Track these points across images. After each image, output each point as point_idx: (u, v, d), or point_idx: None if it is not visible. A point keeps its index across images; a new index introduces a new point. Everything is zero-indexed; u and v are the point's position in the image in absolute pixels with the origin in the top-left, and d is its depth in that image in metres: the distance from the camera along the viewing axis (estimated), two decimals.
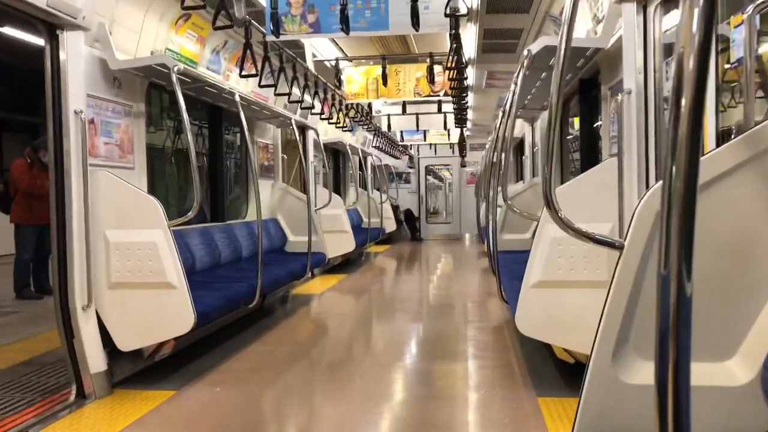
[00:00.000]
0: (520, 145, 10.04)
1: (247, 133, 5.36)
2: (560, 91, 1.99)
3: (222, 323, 5.54)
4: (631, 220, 1.96)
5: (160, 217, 3.97)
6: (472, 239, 17.05)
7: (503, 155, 4.95)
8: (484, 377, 4.40)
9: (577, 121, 6.18)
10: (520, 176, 10.56)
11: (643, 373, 1.97)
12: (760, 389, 1.85)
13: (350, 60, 9.47)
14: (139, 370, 4.27)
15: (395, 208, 16.46)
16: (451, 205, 19.69)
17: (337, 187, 13.11)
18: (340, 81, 8.70)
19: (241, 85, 6.44)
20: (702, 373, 1.86)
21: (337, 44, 9.21)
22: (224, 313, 4.71)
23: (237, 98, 5.30)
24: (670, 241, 1.07)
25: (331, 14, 4.97)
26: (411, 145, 17.81)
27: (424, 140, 16.14)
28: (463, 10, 4.86)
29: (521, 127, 8.95)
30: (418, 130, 14.55)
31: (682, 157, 1.06)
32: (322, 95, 8.09)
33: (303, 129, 8.36)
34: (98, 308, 3.95)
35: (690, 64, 1.04)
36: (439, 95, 9.11)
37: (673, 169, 1.07)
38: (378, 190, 14.28)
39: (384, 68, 7.99)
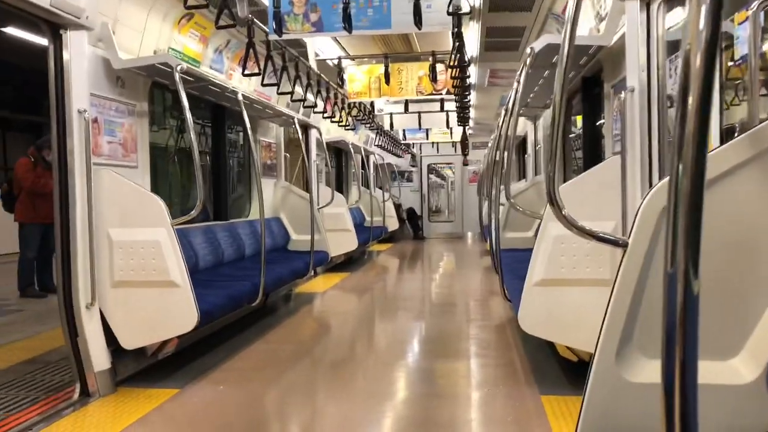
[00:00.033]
0: (522, 143, 10.02)
1: (249, 131, 5.36)
2: (564, 89, 1.99)
3: (225, 322, 5.55)
4: (635, 218, 1.95)
5: (164, 215, 3.97)
6: (474, 238, 17.04)
7: (506, 153, 4.94)
8: (487, 375, 4.40)
9: (579, 119, 6.17)
10: (522, 174, 10.55)
11: (647, 371, 1.97)
12: (765, 387, 1.85)
13: (353, 59, 9.46)
14: (142, 368, 4.28)
15: (398, 207, 16.46)
16: (453, 203, 19.68)
17: (340, 185, 13.11)
18: (342, 80, 8.69)
19: (243, 84, 6.45)
20: (706, 371, 1.85)
21: (339, 43, 9.21)
22: (227, 311, 4.72)
23: (240, 97, 5.30)
24: (677, 240, 1.07)
25: (333, 13, 4.97)
26: (413, 143, 17.80)
27: (427, 139, 16.12)
28: (465, 9, 4.85)
29: (523, 126, 8.94)
30: (420, 129, 14.54)
31: (689, 155, 1.05)
32: (324, 94, 8.09)
33: (305, 128, 8.37)
34: (102, 307, 3.96)
35: (697, 61, 1.04)
36: (441, 93, 9.10)
37: (680, 166, 1.07)
38: (380, 188, 14.27)
39: (386, 67, 7.98)
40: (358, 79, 9.10)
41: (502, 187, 5.14)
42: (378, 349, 5.45)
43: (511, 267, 5.17)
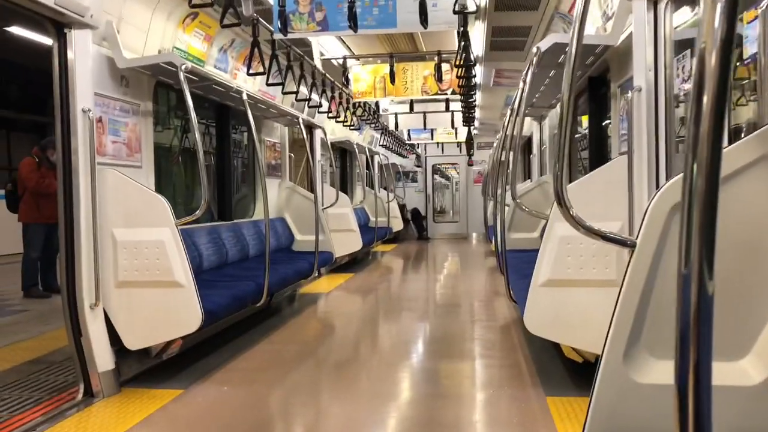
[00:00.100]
0: (527, 143, 10.00)
1: (254, 131, 5.35)
2: (572, 88, 1.97)
3: (229, 322, 5.54)
4: (643, 218, 1.93)
5: (168, 215, 3.97)
6: (479, 238, 17.02)
7: (511, 153, 4.92)
8: (492, 376, 4.38)
9: (585, 119, 6.15)
10: (527, 175, 10.53)
11: (655, 372, 1.95)
12: None
13: (357, 58, 9.45)
14: (146, 368, 4.27)
15: (402, 207, 16.45)
16: (458, 204, 19.66)
17: (344, 186, 13.11)
18: (347, 79, 8.69)
19: (248, 84, 6.44)
20: (715, 373, 1.84)
21: (344, 42, 9.20)
22: (231, 311, 4.71)
23: (244, 97, 5.29)
24: (691, 240, 1.05)
25: (339, 12, 4.96)
26: (418, 143, 17.78)
27: (432, 139, 16.10)
28: (471, 8, 4.84)
29: (529, 126, 8.92)
30: (425, 129, 14.52)
31: (704, 154, 1.04)
32: (329, 94, 8.09)
33: (310, 128, 8.36)
34: (106, 307, 3.95)
35: (712, 60, 1.02)
36: (446, 93, 9.08)
37: (694, 166, 1.05)
38: (385, 189, 14.27)
39: (391, 66, 7.98)
40: (363, 78, 9.09)
41: (507, 187, 5.12)
42: (382, 350, 5.43)
43: (516, 267, 5.15)
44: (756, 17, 2.45)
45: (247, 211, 7.59)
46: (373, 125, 12.32)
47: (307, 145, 7.41)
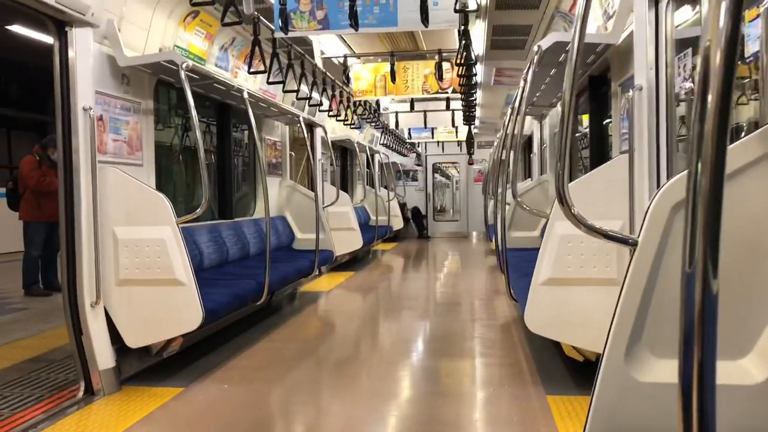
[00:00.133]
0: (528, 142, 10.00)
1: (255, 130, 5.35)
2: (573, 87, 1.97)
3: (230, 320, 5.54)
4: (645, 217, 1.93)
5: (169, 214, 3.97)
6: (479, 237, 17.02)
7: (512, 152, 4.92)
8: (492, 375, 4.38)
9: (585, 118, 6.15)
10: (527, 174, 10.53)
11: (656, 370, 1.95)
12: None
13: (358, 57, 9.45)
14: (147, 366, 4.27)
15: (402, 206, 16.46)
16: (458, 202, 19.66)
17: (345, 184, 13.11)
18: (348, 78, 8.68)
19: (249, 83, 6.44)
20: (717, 371, 1.84)
21: (345, 41, 9.19)
22: (232, 310, 4.71)
23: (245, 95, 5.29)
24: (696, 239, 1.05)
25: (339, 10, 4.96)
26: (418, 142, 17.78)
27: (432, 138, 16.10)
28: (472, 6, 4.83)
29: (529, 125, 8.92)
30: (425, 128, 14.52)
31: (709, 153, 1.03)
32: (330, 92, 8.08)
33: (311, 126, 8.36)
34: (107, 305, 3.96)
35: (716, 58, 1.02)
36: (447, 92, 9.08)
37: (699, 165, 1.05)
38: (385, 187, 14.27)
39: (392, 65, 7.97)
40: (364, 77, 9.08)
41: (508, 186, 5.12)
42: (383, 348, 5.44)
43: (516, 266, 5.16)
44: (758, 16, 2.45)
45: (248, 210, 7.59)
46: (373, 124, 12.32)
47: (308, 143, 7.42)
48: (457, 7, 4.71)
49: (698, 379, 1.05)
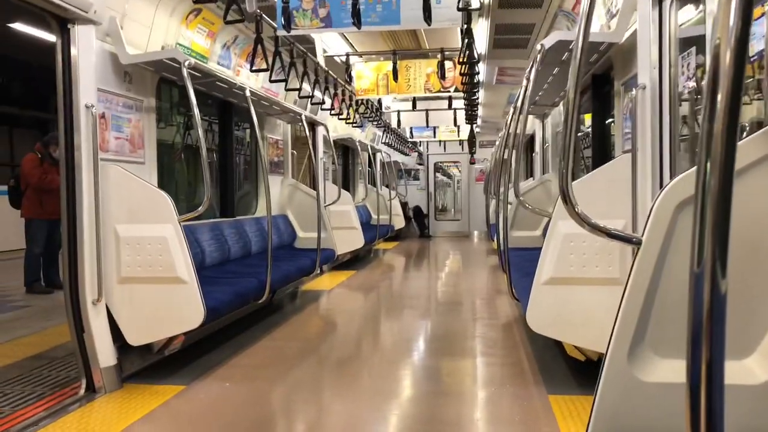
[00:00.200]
0: (530, 141, 9.99)
1: (257, 128, 5.35)
2: (577, 85, 1.96)
3: (231, 318, 5.54)
4: (649, 216, 1.93)
5: (171, 212, 3.96)
6: (480, 236, 17.01)
7: (514, 151, 4.92)
8: (494, 374, 4.37)
9: (588, 117, 6.14)
10: (529, 173, 10.52)
11: (659, 370, 1.94)
12: None
13: (360, 55, 9.44)
14: (148, 364, 4.27)
15: (404, 205, 16.45)
16: (459, 202, 19.65)
17: (346, 183, 13.10)
18: (350, 76, 8.67)
19: (251, 81, 6.43)
20: None
21: (347, 39, 9.18)
22: (234, 308, 4.71)
23: (247, 93, 5.29)
24: (704, 239, 1.04)
25: (342, 8, 4.95)
26: (420, 141, 17.77)
27: (434, 137, 16.09)
28: (475, 5, 4.82)
29: (531, 124, 8.91)
30: (427, 127, 14.50)
31: (718, 152, 1.03)
32: (332, 91, 8.07)
33: (313, 125, 8.35)
34: (108, 303, 3.96)
35: (727, 57, 1.01)
36: (449, 91, 9.07)
37: (708, 164, 1.04)
38: (387, 186, 14.26)
39: (394, 64, 7.96)
40: (366, 75, 9.07)
41: (510, 185, 5.12)
42: (384, 347, 5.43)
43: (518, 265, 5.15)
44: (763, 14, 2.44)
45: (250, 208, 7.59)
46: (375, 123, 12.31)
47: (310, 142, 7.40)
48: (460, 6, 4.70)
49: (706, 378, 1.04)
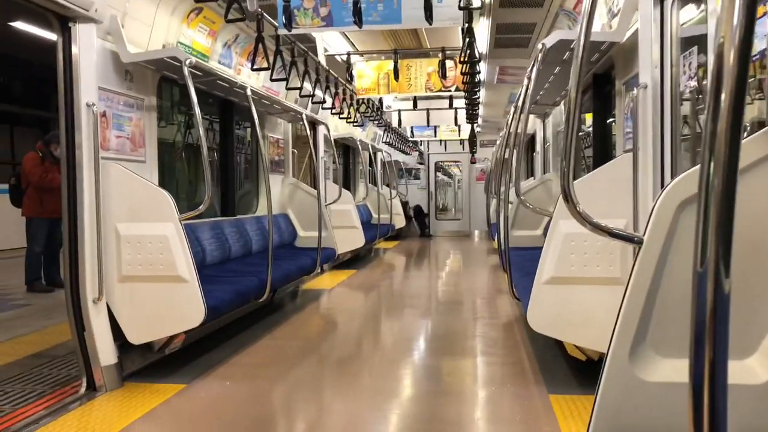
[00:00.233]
0: (531, 141, 9.99)
1: (258, 127, 5.35)
2: (579, 84, 1.96)
3: (232, 317, 5.54)
4: (650, 215, 1.93)
5: (172, 210, 3.96)
6: (481, 236, 17.01)
7: (515, 151, 4.91)
8: (494, 374, 4.37)
9: (589, 116, 6.13)
10: (530, 173, 10.51)
11: (661, 370, 1.94)
12: None
13: (361, 54, 9.44)
14: (149, 363, 4.27)
15: (405, 205, 16.45)
16: (460, 201, 19.65)
17: (347, 182, 13.10)
18: (351, 76, 8.67)
19: (252, 80, 6.43)
20: None
21: (348, 38, 9.19)
22: (234, 307, 4.71)
23: (248, 92, 5.29)
24: (707, 238, 1.04)
25: (343, 7, 4.94)
26: (421, 141, 17.77)
27: (435, 136, 16.09)
28: (476, 3, 4.82)
29: (532, 123, 8.90)
30: (428, 126, 14.50)
31: (722, 151, 1.02)
32: (333, 90, 8.07)
33: (314, 124, 8.35)
34: (109, 301, 3.96)
35: (731, 56, 1.01)
36: (450, 90, 9.07)
37: (711, 163, 1.04)
38: (388, 186, 14.26)
39: (395, 63, 7.96)
40: (367, 75, 9.07)
41: (510, 184, 5.11)
42: (384, 347, 5.43)
43: (519, 265, 5.14)
44: (765, 14, 2.44)
45: (250, 207, 7.59)
46: (376, 122, 12.31)
47: (311, 141, 7.40)
48: (461, 4, 4.70)
49: (709, 378, 1.04)
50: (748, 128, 2.95)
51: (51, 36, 3.89)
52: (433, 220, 18.01)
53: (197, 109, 4.20)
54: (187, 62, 4.18)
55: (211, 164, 4.70)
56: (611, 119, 5.12)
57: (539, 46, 3.91)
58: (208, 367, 4.35)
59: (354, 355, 5.05)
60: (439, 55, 7.68)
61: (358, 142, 11.70)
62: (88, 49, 3.82)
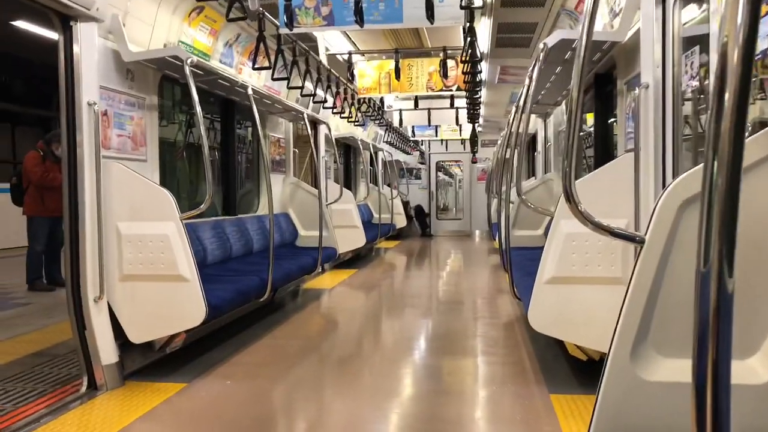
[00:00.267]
0: (532, 140, 9.99)
1: (259, 126, 5.35)
2: (581, 84, 1.96)
3: (233, 316, 5.54)
4: (652, 215, 1.92)
5: (173, 209, 3.96)
6: (482, 236, 17.01)
7: (516, 150, 4.91)
8: (495, 374, 4.37)
9: (590, 116, 6.13)
10: (531, 172, 10.51)
11: (662, 370, 1.94)
12: None
13: (363, 54, 9.44)
14: (150, 362, 4.27)
15: (405, 204, 16.45)
16: (461, 201, 19.65)
17: (348, 182, 13.10)
18: (352, 75, 8.66)
19: (253, 79, 6.43)
20: None
21: (349, 38, 9.18)
22: (235, 306, 4.71)
23: (250, 91, 5.29)
24: (710, 238, 1.04)
25: (345, 6, 4.94)
26: (422, 140, 17.77)
27: (436, 136, 16.09)
28: (477, 3, 4.82)
29: (534, 123, 8.90)
30: (429, 126, 14.49)
31: (725, 151, 1.02)
32: (334, 89, 8.07)
33: (315, 123, 8.35)
34: (110, 300, 3.96)
35: (734, 55, 1.01)
36: (451, 90, 9.06)
37: (715, 163, 1.04)
38: (389, 185, 14.25)
39: (397, 62, 7.95)
40: (368, 74, 9.07)
41: (512, 184, 5.11)
42: (385, 346, 5.43)
43: (520, 265, 5.14)
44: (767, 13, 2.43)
45: (251, 206, 7.59)
46: (377, 121, 12.31)
47: (312, 140, 7.40)
48: (463, 4, 4.70)
49: (713, 378, 1.03)
50: (750, 128, 2.95)
51: (52, 35, 3.89)
52: (434, 220, 18.00)
53: (198, 108, 4.19)
54: (189, 61, 4.18)
55: (212, 163, 4.71)
56: (613, 119, 5.12)
57: (541, 45, 3.90)
58: (208, 366, 4.35)
59: (354, 355, 5.05)
60: (441, 54, 7.68)
61: (359, 142, 11.70)
62: (89, 48, 3.82)
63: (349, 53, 8.63)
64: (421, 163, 18.90)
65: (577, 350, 3.98)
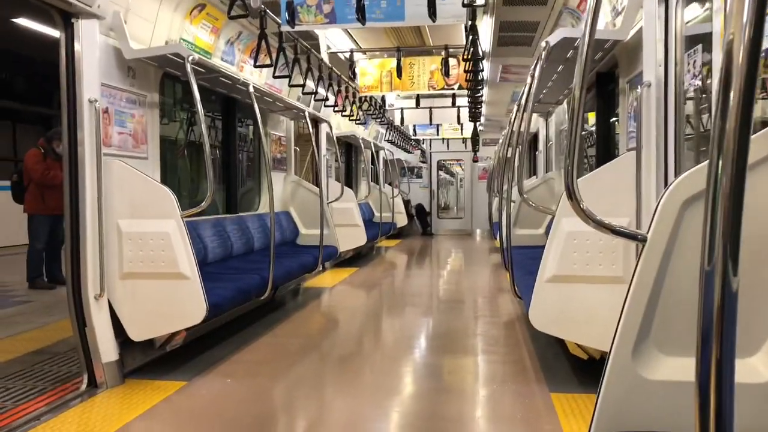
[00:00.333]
0: (533, 139, 9.98)
1: (260, 125, 5.35)
2: (584, 82, 1.95)
3: (233, 315, 5.54)
4: (654, 213, 1.92)
5: (174, 207, 3.96)
6: (483, 235, 17.00)
7: (518, 149, 4.90)
8: (496, 372, 4.37)
9: (591, 116, 6.12)
10: (533, 171, 10.50)
11: (664, 368, 1.93)
12: None
13: (364, 52, 9.42)
14: (150, 360, 4.27)
15: (407, 203, 16.44)
16: (462, 200, 19.64)
17: (349, 180, 13.10)
18: (354, 73, 8.65)
19: (255, 77, 6.42)
20: None
21: (351, 36, 9.17)
22: (236, 304, 4.71)
23: (251, 89, 5.28)
24: (715, 237, 1.03)
25: (347, 4, 4.93)
26: (423, 139, 17.76)
27: (437, 134, 16.07)
28: (480, 1, 4.81)
29: (535, 122, 8.89)
30: (431, 124, 14.48)
31: (730, 150, 1.02)
32: (335, 87, 8.06)
33: (316, 122, 8.35)
34: (110, 298, 3.95)
35: (740, 53, 1.00)
36: (453, 89, 9.05)
37: (720, 161, 1.03)
38: (390, 184, 14.25)
39: (398, 60, 7.94)
40: (370, 72, 9.06)
41: (513, 183, 5.10)
42: (386, 344, 5.43)
43: (521, 263, 5.13)
44: None
45: (252, 205, 7.59)
46: (378, 120, 12.30)
47: (313, 139, 7.39)
48: (465, 2, 4.69)
49: (716, 377, 1.03)
50: (751, 128, 2.93)
51: (54, 32, 3.89)
52: (435, 219, 18.00)
53: (200, 106, 4.19)
54: (190, 59, 4.18)
55: (213, 161, 4.70)
56: (614, 118, 5.11)
57: (543, 44, 3.89)
58: (209, 365, 4.34)
59: (355, 353, 5.05)
60: (442, 53, 7.67)
61: (361, 140, 11.69)
62: (90, 46, 3.81)
63: (351, 51, 8.62)
64: (423, 162, 18.89)
65: (578, 349, 3.98)
